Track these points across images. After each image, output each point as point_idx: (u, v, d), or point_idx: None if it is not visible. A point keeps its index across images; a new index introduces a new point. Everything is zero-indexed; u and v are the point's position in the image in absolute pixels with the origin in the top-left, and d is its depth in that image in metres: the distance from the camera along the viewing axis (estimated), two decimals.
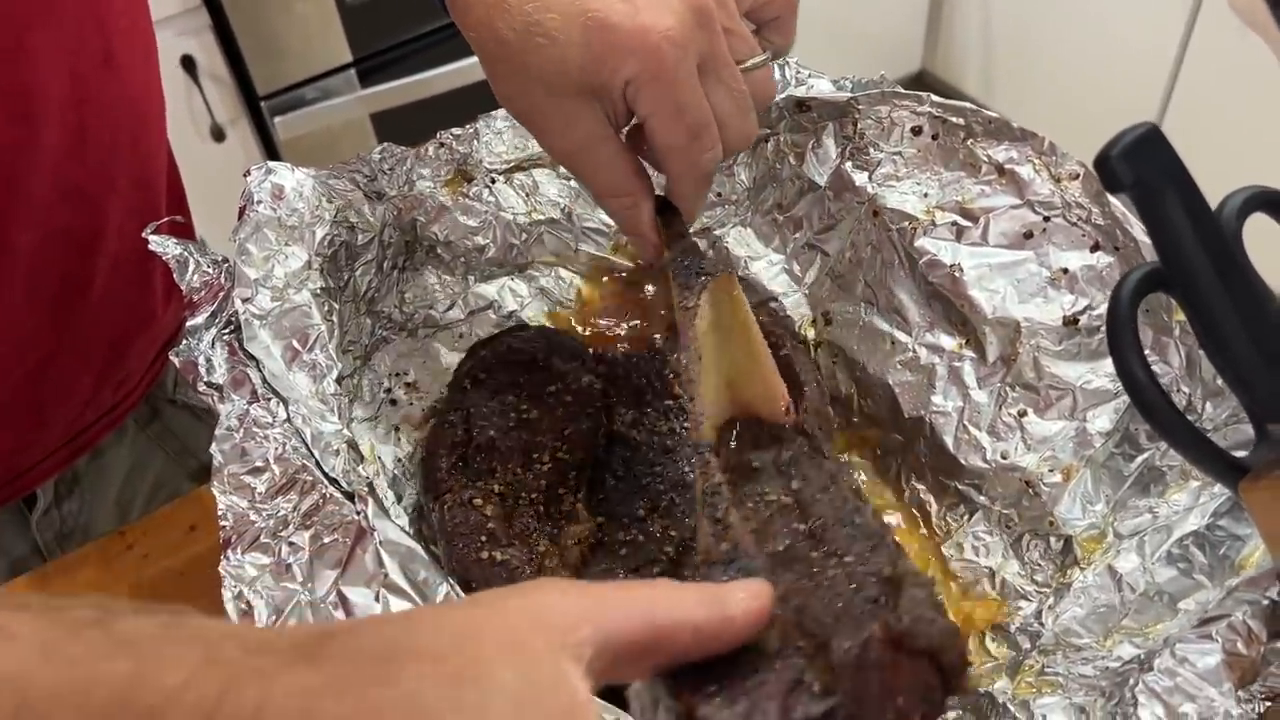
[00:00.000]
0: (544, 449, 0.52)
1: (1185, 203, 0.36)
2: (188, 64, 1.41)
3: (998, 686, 0.44)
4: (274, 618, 0.44)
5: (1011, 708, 0.42)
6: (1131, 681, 0.38)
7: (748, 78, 0.47)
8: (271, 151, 1.53)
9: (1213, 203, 0.38)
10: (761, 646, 0.35)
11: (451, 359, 0.59)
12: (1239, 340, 0.37)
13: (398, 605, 0.42)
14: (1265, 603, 0.40)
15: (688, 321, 0.46)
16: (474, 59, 0.48)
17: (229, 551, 0.45)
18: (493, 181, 0.61)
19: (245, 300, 0.49)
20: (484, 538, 0.47)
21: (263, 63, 1.46)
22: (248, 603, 0.45)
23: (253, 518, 0.46)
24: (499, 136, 0.62)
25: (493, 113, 0.62)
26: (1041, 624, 0.46)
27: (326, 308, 0.52)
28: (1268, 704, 0.39)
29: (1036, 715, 0.41)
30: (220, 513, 0.46)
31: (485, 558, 0.47)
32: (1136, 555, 0.47)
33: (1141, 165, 0.36)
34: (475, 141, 0.61)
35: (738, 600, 0.31)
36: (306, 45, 1.48)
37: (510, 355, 0.55)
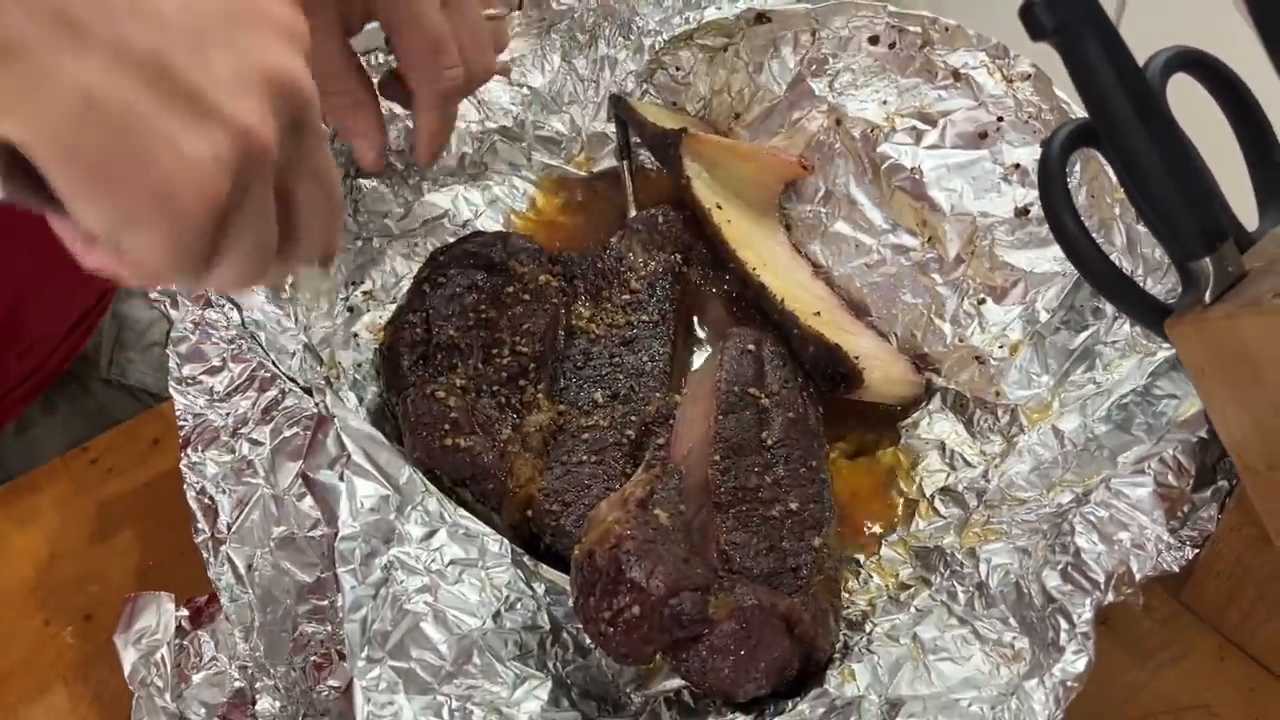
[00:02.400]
0: (503, 345, 0.52)
1: (1107, 49, 0.37)
2: None
3: (946, 542, 0.46)
4: (237, 512, 0.45)
5: (959, 556, 0.43)
6: (1070, 515, 0.40)
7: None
8: None
9: None
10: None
11: (407, 268, 0.59)
12: (1162, 182, 0.38)
13: (364, 486, 0.43)
14: (1194, 440, 0.42)
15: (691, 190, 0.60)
16: None
17: (188, 450, 0.45)
18: None
19: None
20: (447, 426, 0.48)
21: None
22: (210, 498, 0.45)
23: (211, 417, 0.46)
24: None
25: None
26: (987, 481, 0.48)
27: None
28: (1195, 550, 0.41)
29: (982, 561, 0.42)
30: (179, 413, 0.46)
31: (449, 444, 0.47)
32: (1079, 415, 0.48)
33: (1063, 11, 0.37)
34: None
35: None
36: None
37: (468, 259, 0.56)
